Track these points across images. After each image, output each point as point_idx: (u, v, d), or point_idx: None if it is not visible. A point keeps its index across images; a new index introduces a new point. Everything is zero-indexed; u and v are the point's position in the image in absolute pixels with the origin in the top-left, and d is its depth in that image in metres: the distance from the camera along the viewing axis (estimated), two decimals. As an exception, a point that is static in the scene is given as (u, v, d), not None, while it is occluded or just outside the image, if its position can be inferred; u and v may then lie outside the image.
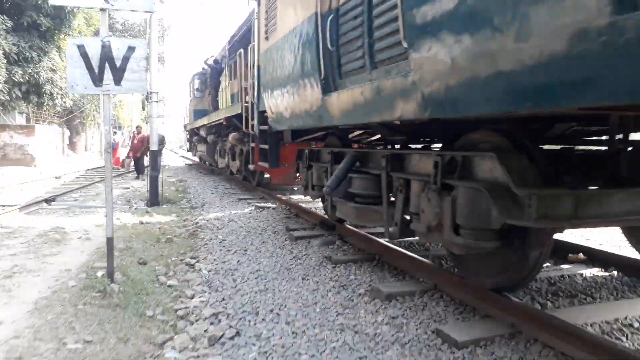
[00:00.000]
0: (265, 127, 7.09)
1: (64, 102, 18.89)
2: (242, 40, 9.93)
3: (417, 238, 4.06)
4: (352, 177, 4.59)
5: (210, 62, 14.56)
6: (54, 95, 17.89)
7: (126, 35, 29.62)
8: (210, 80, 15.14)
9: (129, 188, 12.45)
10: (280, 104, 5.61)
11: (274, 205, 8.38)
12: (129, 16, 29.50)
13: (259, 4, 6.63)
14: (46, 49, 17.19)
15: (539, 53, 1.88)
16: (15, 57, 16.26)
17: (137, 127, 15.97)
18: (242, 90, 9.23)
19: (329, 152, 5.31)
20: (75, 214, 8.33)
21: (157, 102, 8.80)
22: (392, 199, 4.00)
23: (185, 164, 25.05)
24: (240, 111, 9.32)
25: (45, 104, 18.22)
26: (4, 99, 16.16)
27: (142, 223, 7.38)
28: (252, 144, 8.83)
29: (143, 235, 6.56)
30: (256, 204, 8.60)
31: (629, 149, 3.34)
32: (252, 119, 8.01)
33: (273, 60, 5.78)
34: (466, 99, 2.41)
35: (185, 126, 22.65)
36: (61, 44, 17.90)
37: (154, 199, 9.00)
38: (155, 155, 9.05)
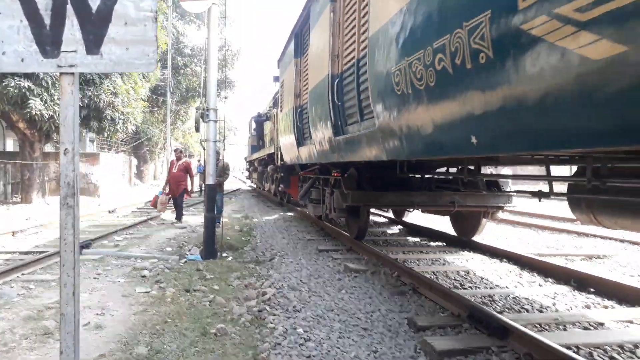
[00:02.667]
0: (282, 162, 11.93)
1: (126, 128, 17.56)
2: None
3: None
4: (310, 190, 9.21)
5: (256, 116, 21.06)
6: (116, 120, 16.57)
7: (195, 61, 28.77)
8: (257, 127, 20.84)
9: (185, 228, 10.43)
10: (285, 149, 10.37)
11: (372, 269, 5.89)
12: (197, 41, 28.67)
13: (280, 87, 10.99)
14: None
15: (321, 148, 6.93)
16: (76, 80, 15.10)
17: (175, 151, 11.43)
18: (275, 136, 13.30)
19: (308, 177, 9.73)
20: (106, 269, 6.25)
21: (215, 121, 6.67)
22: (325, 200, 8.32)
23: (248, 191, 27.37)
24: (273, 151, 13.79)
25: (106, 129, 16.93)
26: (62, 124, 14.92)
27: (187, 292, 5.13)
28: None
29: (185, 317, 4.28)
30: (347, 263, 6.14)
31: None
32: (278, 157, 12.53)
33: (282, 123, 10.35)
34: (321, 160, 7.21)
35: (245, 158, 29.52)
36: (124, 66, 16.67)
37: (209, 250, 6.79)
38: (213, 192, 6.88)
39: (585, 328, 3.74)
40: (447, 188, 6.93)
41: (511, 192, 6.79)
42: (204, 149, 7.41)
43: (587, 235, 9.28)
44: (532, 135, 2.31)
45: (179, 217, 11.10)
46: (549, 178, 4.05)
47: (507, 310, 4.27)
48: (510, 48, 2.27)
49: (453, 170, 6.37)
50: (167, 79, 24.42)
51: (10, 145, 20.85)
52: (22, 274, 5.68)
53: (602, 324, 3.81)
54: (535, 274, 5.64)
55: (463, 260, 6.49)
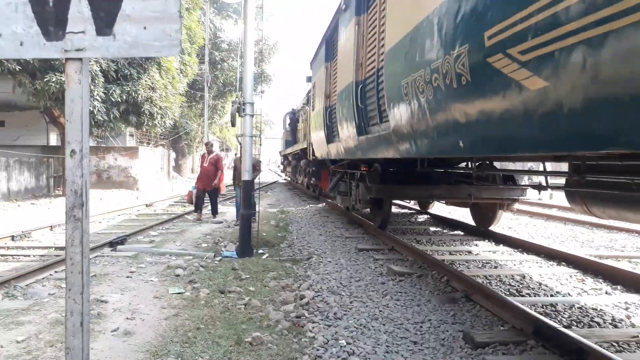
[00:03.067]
0: (314, 157, 12.77)
1: (164, 122, 17.60)
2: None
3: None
4: (339, 183, 9.93)
5: (290, 112, 22.22)
6: (154, 114, 16.61)
7: (232, 56, 28.77)
8: (291, 123, 21.49)
9: (221, 222, 10.26)
10: (316, 145, 11.30)
11: (417, 272, 5.47)
12: (234, 35, 28.63)
13: (312, 87, 11.93)
14: (146, 66, 15.97)
15: (347, 146, 7.61)
16: (114, 75, 15.15)
17: (206, 144, 10.96)
18: (307, 133, 14.01)
19: (337, 172, 10.39)
20: (140, 266, 6.07)
21: (251, 115, 6.38)
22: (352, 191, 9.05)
23: (283, 184, 27.47)
24: (305, 146, 14.44)
25: (144, 124, 17.01)
26: (102, 119, 15.05)
27: (222, 293, 4.87)
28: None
29: (219, 322, 4.01)
30: (390, 265, 5.74)
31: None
32: (310, 152, 13.20)
33: (313, 121, 11.25)
34: (347, 156, 8.12)
35: (280, 152, 30.13)
36: (162, 60, 16.65)
37: (245, 248, 6.53)
38: (249, 189, 6.61)
39: (673, 349, 3.25)
40: (465, 182, 7.37)
41: (525, 185, 7.12)
42: (240, 144, 7.15)
43: (649, 234, 8.57)
44: (496, 141, 3.04)
45: (214, 212, 10.85)
46: (545, 173, 4.74)
47: (574, 323, 3.80)
48: (481, 75, 2.91)
49: (462, 165, 7.28)
50: (205, 73, 24.46)
51: (54, 139, 21.33)
52: (55, 272, 5.56)
53: (691, 344, 3.31)
54: (600, 280, 5.11)
55: (517, 263, 6.01)
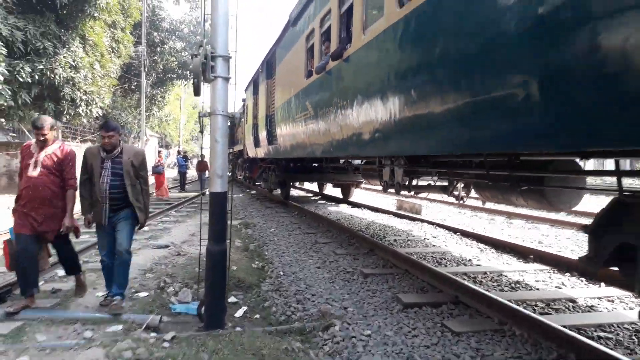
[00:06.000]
0: (248, 156, 18.11)
1: (90, 111, 14.23)
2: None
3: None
4: (262, 174, 16.77)
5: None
6: (76, 101, 13.27)
7: (173, 38, 25.37)
8: (230, 127, 26.49)
9: (168, 246, 7.32)
10: (248, 148, 16.38)
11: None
12: (176, 15, 25.18)
13: (246, 106, 18.01)
14: (65, 39, 12.61)
15: (264, 150, 13.50)
16: (22, 49, 11.71)
17: (34, 124, 4.28)
18: (242, 138, 19.18)
19: (261, 166, 16.80)
20: (20, 361, 3.19)
21: (227, 79, 3.66)
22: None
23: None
24: (242, 148, 19.36)
25: (65, 112, 13.59)
26: (6, 104, 11.59)
27: None
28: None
29: None
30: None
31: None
32: (245, 153, 18.47)
33: (246, 130, 16.80)
34: (265, 156, 13.72)
35: None
36: (87, 32, 13.32)
37: (215, 311, 3.78)
38: (220, 206, 3.85)
39: None
40: (333, 172, 12.10)
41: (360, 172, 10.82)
42: (201, 132, 4.37)
43: None
44: (303, 151, 8.70)
45: (73, 269, 4.77)
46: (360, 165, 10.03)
47: None
48: (302, 127, 8.44)
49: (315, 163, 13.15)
50: (142, 56, 21.04)
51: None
52: None
53: None
54: None
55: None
